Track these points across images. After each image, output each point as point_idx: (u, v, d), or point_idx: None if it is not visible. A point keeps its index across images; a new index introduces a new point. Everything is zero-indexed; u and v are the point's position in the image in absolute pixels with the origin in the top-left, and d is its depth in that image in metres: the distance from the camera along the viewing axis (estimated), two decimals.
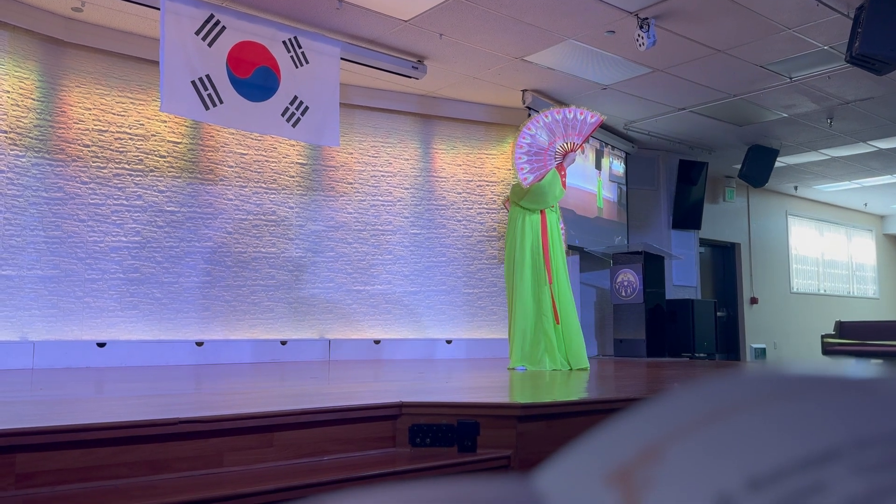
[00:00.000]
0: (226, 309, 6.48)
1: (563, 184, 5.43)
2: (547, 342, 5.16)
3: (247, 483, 2.04)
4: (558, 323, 5.19)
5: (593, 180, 8.29)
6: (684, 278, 9.33)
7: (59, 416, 2.31)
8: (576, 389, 3.62)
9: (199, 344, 6.21)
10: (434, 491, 0.20)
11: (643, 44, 5.61)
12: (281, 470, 2.21)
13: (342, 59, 6.10)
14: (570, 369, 5.13)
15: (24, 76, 5.67)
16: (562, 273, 5.38)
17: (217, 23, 5.41)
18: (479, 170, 7.87)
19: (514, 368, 5.13)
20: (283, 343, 6.67)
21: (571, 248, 8.08)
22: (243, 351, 6.41)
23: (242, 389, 3.47)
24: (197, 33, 5.31)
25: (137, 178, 6.14)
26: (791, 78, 6.92)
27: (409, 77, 6.66)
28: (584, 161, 8.29)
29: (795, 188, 11.52)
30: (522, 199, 5.42)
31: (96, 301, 5.86)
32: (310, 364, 6.16)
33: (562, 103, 7.82)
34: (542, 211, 5.42)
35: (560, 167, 5.42)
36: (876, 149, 9.22)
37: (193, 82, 5.26)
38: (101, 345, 5.77)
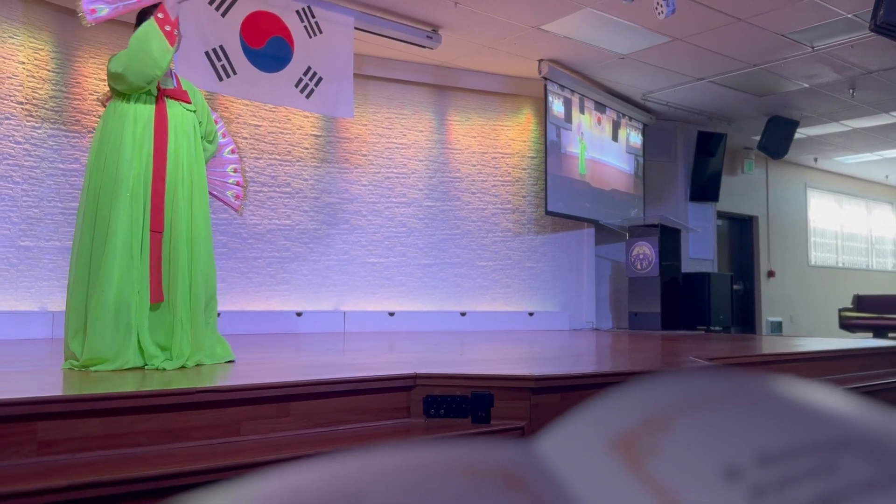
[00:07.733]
0: (242, 280, 6.53)
1: (172, 40, 3.26)
2: (138, 322, 3.02)
3: (263, 452, 2.07)
4: (156, 301, 3.10)
5: (576, 144, 7.89)
6: (701, 251, 9.27)
7: (78, 385, 2.35)
8: (588, 361, 3.63)
9: None
10: (437, 453, 0.20)
11: (662, 12, 5.51)
12: (297, 439, 2.24)
13: (356, 28, 6.05)
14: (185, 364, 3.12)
15: (39, 47, 5.68)
16: (192, 219, 3.27)
17: None
18: (495, 141, 7.82)
19: (86, 368, 2.85)
20: (299, 315, 6.71)
21: (587, 222, 8.04)
22: (259, 322, 6.47)
23: (259, 360, 3.51)
24: (210, 3, 5.28)
25: None
26: (813, 47, 6.78)
27: (424, 47, 6.59)
28: (602, 133, 8.20)
29: (815, 160, 11.36)
30: (113, 67, 3.22)
31: None
32: (325, 335, 6.21)
33: (579, 73, 7.73)
34: (158, 95, 3.20)
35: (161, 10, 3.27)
36: None
37: (207, 53, 5.24)
38: None
